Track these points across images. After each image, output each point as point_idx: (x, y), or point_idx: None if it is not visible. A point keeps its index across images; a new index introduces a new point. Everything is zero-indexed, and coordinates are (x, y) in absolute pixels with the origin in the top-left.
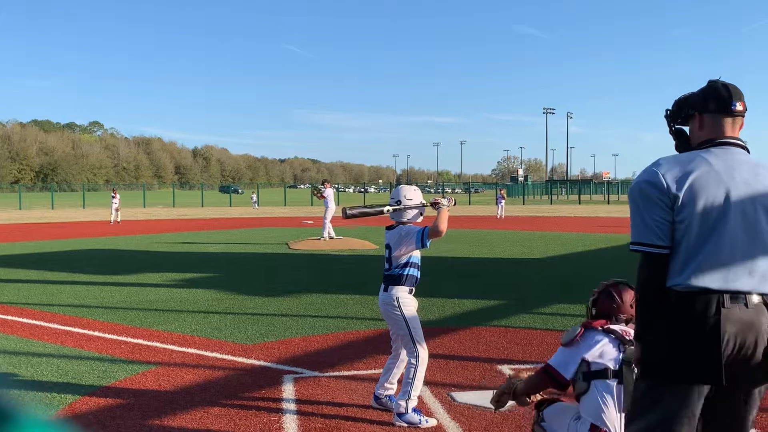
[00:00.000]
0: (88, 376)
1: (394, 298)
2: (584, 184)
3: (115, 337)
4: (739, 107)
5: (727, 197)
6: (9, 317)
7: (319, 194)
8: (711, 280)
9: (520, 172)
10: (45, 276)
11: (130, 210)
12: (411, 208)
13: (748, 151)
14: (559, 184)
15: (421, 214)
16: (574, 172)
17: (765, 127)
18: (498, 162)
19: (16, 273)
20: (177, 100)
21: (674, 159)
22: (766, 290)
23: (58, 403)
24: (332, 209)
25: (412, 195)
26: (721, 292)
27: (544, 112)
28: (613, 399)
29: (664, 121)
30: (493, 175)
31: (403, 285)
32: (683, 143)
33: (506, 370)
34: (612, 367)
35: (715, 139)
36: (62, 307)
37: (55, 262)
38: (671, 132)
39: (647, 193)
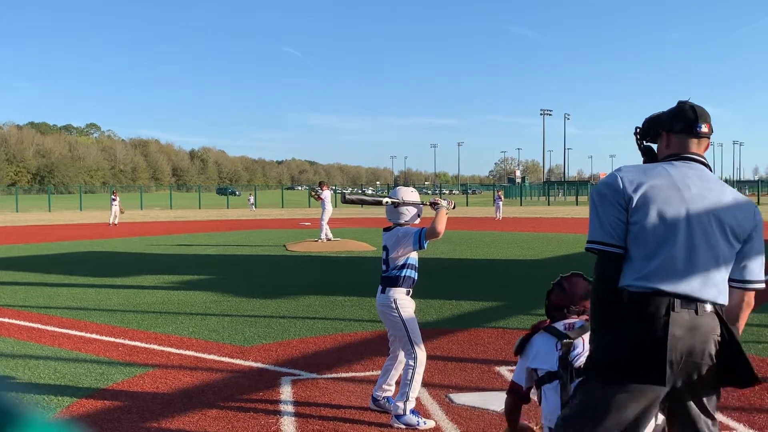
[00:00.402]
0: (86, 379)
1: (392, 300)
2: (581, 186)
3: (112, 339)
4: (704, 129)
5: (683, 206)
6: (6, 320)
7: (316, 196)
8: (663, 284)
9: (518, 173)
10: (42, 278)
11: (128, 212)
12: (410, 204)
13: (711, 170)
14: (556, 185)
15: (419, 215)
16: (572, 173)
17: (765, 127)
18: (495, 163)
19: (13, 275)
20: (174, 102)
21: (636, 166)
22: (719, 300)
23: (55, 405)
24: (329, 211)
25: (410, 197)
26: (672, 296)
27: (541, 114)
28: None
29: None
30: (491, 177)
31: (401, 286)
32: (651, 160)
33: (504, 371)
34: (555, 369)
35: (680, 155)
36: (59, 309)
37: (52, 265)
38: (640, 148)
39: (604, 193)
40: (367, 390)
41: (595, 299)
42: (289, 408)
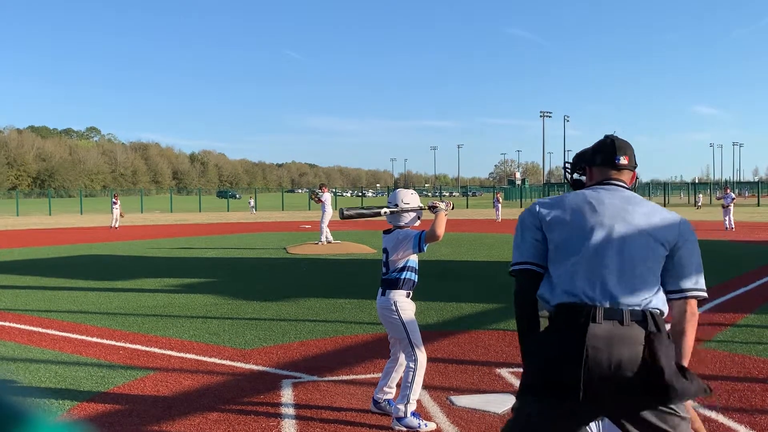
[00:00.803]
0: (87, 382)
1: (392, 302)
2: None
3: (113, 342)
4: (623, 161)
5: (597, 219)
6: (7, 324)
7: (316, 198)
8: (581, 295)
9: (518, 175)
10: (43, 282)
11: (128, 215)
12: (408, 210)
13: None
14: (556, 187)
15: (419, 218)
16: None
17: (765, 128)
18: (495, 165)
19: (14, 279)
20: (174, 106)
21: (555, 196)
22: (651, 306)
23: (56, 409)
24: (329, 213)
25: (410, 199)
26: (591, 307)
27: (541, 116)
28: None
29: (659, 124)
30: (491, 179)
31: (401, 289)
32: None
33: (505, 373)
34: None
35: (601, 181)
36: (60, 313)
37: (53, 269)
38: (569, 181)
39: (523, 218)
40: (368, 392)
41: (517, 316)
42: (290, 411)
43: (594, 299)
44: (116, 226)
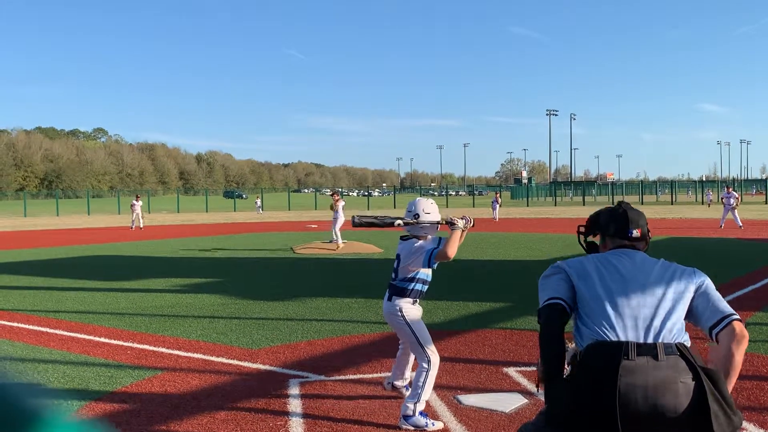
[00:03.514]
0: (95, 382)
1: (398, 308)
2: (588, 186)
3: (120, 342)
4: (635, 234)
5: (623, 276)
6: (15, 324)
7: (333, 208)
8: (612, 333)
9: (524, 174)
10: (50, 283)
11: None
12: (424, 223)
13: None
14: (563, 185)
15: (437, 228)
16: (578, 173)
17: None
18: (501, 164)
19: (22, 280)
20: (180, 106)
21: (576, 258)
22: (679, 340)
23: (64, 409)
24: (341, 220)
25: (430, 209)
26: (624, 344)
27: (547, 114)
28: None
29: (665, 122)
30: (497, 178)
31: (407, 297)
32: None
33: (512, 372)
34: None
35: (616, 247)
36: (68, 313)
37: (61, 269)
38: (583, 244)
39: (548, 274)
40: (375, 391)
41: (543, 350)
42: (298, 410)
43: (623, 337)
44: (141, 226)
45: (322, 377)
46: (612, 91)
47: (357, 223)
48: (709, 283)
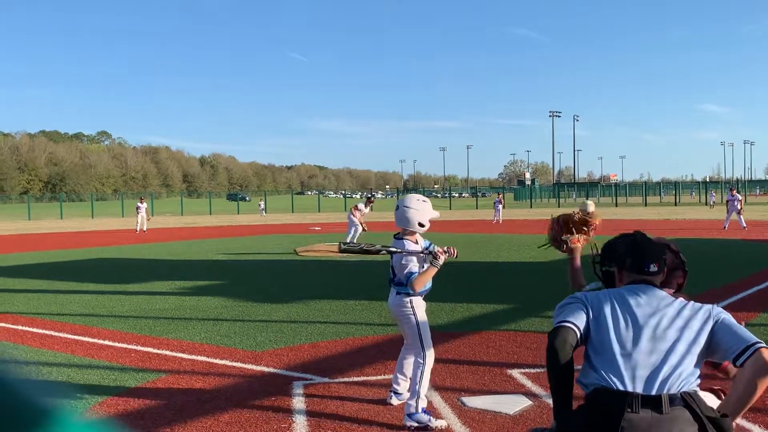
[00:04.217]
0: (99, 385)
1: (406, 300)
2: (592, 187)
3: (124, 345)
4: (653, 269)
5: (636, 317)
6: (19, 327)
7: (362, 215)
8: (618, 383)
9: (527, 175)
10: (54, 286)
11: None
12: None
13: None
14: (566, 187)
15: (423, 225)
16: (582, 174)
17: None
18: (504, 166)
19: (26, 283)
20: (184, 109)
21: (593, 291)
22: (685, 389)
23: (75, 408)
24: (358, 230)
25: (418, 206)
26: (628, 394)
27: (550, 116)
28: None
29: (668, 123)
30: (500, 179)
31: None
32: (610, 283)
33: (516, 374)
34: None
35: (632, 282)
36: (72, 316)
37: (65, 272)
38: (597, 275)
39: (567, 302)
40: (379, 393)
41: (552, 379)
42: (301, 412)
43: (630, 387)
44: (144, 229)
45: (326, 379)
46: (615, 92)
47: (343, 250)
48: (725, 316)
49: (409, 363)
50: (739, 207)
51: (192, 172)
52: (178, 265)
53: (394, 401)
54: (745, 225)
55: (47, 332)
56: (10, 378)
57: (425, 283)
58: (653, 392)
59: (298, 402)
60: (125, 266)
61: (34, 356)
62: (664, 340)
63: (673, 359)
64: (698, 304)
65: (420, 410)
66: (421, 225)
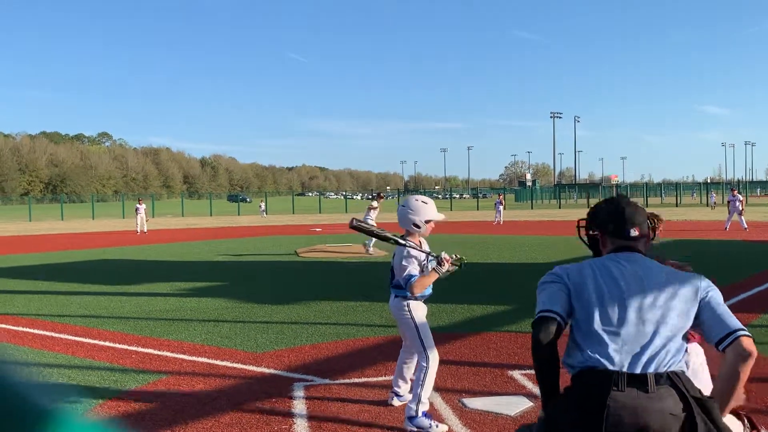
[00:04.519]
0: (99, 386)
1: (404, 303)
2: (593, 188)
3: (125, 346)
4: (634, 233)
5: (620, 291)
6: (20, 328)
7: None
8: (604, 362)
9: (528, 176)
10: (55, 287)
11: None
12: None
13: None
14: (567, 188)
15: (426, 224)
16: (583, 175)
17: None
18: (505, 167)
19: (27, 284)
20: (184, 111)
21: (573, 264)
22: (672, 368)
23: (77, 409)
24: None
25: (413, 206)
26: (613, 373)
27: (551, 117)
28: None
29: (670, 125)
30: (501, 180)
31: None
32: (597, 251)
33: (517, 375)
34: None
35: (616, 249)
36: (73, 317)
37: (65, 273)
38: (583, 240)
39: (546, 280)
40: (380, 395)
41: (537, 372)
42: (302, 414)
43: (617, 365)
44: (145, 230)
45: (327, 381)
46: (616, 93)
47: (354, 226)
48: (713, 294)
49: (408, 365)
50: (740, 208)
51: (193, 174)
52: (178, 266)
53: (395, 402)
54: (746, 226)
55: (48, 333)
56: (10, 379)
57: (424, 288)
58: (639, 370)
59: (299, 403)
60: (126, 267)
61: (35, 357)
62: (652, 313)
63: (661, 334)
64: (685, 274)
65: (421, 414)
66: (415, 226)
